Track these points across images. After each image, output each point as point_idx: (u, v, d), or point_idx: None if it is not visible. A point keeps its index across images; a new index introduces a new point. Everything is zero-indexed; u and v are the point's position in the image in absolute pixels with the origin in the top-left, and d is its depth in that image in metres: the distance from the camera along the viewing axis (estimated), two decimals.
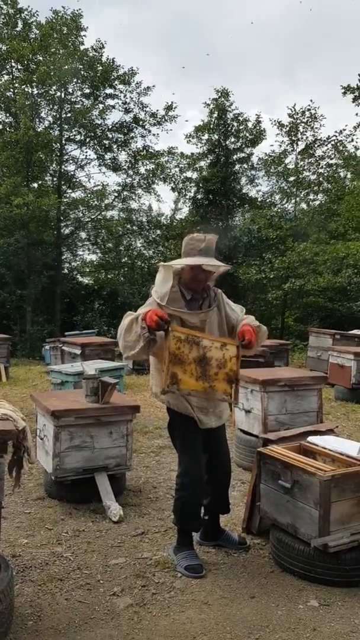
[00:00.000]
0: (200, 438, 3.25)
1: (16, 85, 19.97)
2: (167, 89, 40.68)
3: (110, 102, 20.95)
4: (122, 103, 21.04)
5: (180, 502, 3.22)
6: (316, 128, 20.19)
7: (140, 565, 3.24)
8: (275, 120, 20.43)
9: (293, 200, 21.37)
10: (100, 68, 20.05)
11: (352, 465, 3.19)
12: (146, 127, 21.48)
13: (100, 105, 20.90)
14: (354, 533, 3.03)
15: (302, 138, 20.42)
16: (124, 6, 36.89)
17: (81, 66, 19.83)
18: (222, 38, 38.42)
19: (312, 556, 3.03)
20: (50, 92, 20.27)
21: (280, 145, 20.71)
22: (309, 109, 19.86)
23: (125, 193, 22.23)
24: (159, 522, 3.87)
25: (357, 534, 3.04)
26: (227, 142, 21.22)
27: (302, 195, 21.27)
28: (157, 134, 21.92)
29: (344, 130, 20.57)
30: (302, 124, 20.18)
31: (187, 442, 3.24)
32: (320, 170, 20.82)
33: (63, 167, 21.41)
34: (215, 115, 20.86)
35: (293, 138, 20.41)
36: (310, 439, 3.64)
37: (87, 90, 20.58)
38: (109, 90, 20.69)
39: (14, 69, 19.94)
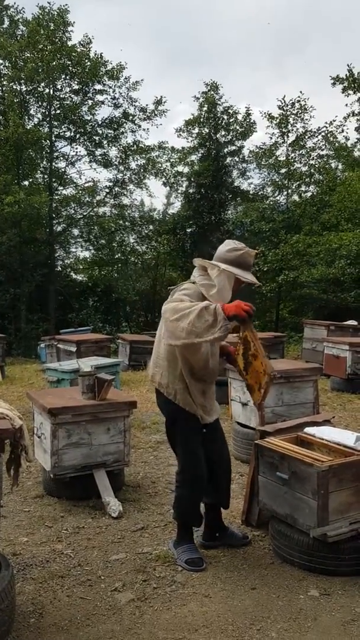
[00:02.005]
0: (201, 434, 3.26)
1: (4, 82, 19.87)
2: (157, 84, 40.56)
3: (99, 97, 20.90)
4: (111, 98, 20.99)
5: (182, 498, 3.22)
6: (306, 119, 20.16)
7: (140, 560, 3.25)
8: (265, 113, 20.40)
9: (285, 193, 21.33)
10: (89, 64, 19.95)
11: (350, 455, 3.20)
12: (136, 122, 21.43)
13: (90, 101, 20.82)
14: (352, 522, 3.04)
15: (292, 130, 20.39)
16: (112, 0, 36.71)
17: (69, 62, 19.73)
18: (211, 31, 38.32)
19: (312, 546, 3.04)
20: (39, 88, 20.17)
21: (271, 138, 20.69)
22: (298, 101, 19.82)
23: (116, 189, 22.18)
24: (159, 516, 3.88)
25: (356, 523, 3.05)
26: (218, 136, 21.18)
27: (293, 187, 21.23)
28: (147, 129, 21.90)
29: (334, 121, 20.59)
30: (292, 116, 20.14)
31: (190, 439, 3.22)
32: (312, 162, 20.79)
33: (53, 164, 21.33)
34: (205, 108, 20.81)
35: (283, 130, 20.36)
36: (307, 430, 3.65)
37: (76, 86, 20.48)
38: (97, 86, 20.62)
39: (1, 67, 19.85)
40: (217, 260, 3.14)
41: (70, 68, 19.95)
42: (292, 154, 20.68)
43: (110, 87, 20.74)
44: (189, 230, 21.56)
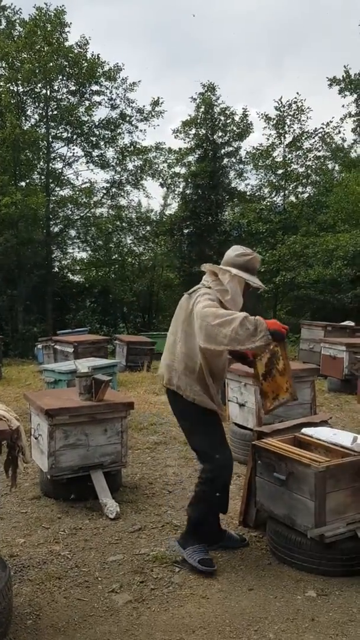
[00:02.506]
0: (221, 431, 3.26)
1: (1, 83, 19.84)
2: (155, 84, 40.56)
3: (96, 98, 20.90)
4: (108, 99, 20.99)
5: (210, 495, 3.16)
6: (303, 120, 20.22)
7: (138, 561, 3.24)
8: (262, 114, 20.44)
9: (282, 193, 21.38)
10: (86, 64, 19.95)
11: (347, 455, 3.21)
12: (133, 123, 21.44)
13: (87, 102, 20.82)
14: (349, 523, 3.05)
15: (289, 131, 20.44)
16: (110, 0, 36.71)
17: (66, 63, 19.73)
18: (210, 32, 38.35)
19: (309, 547, 3.04)
20: (36, 89, 20.16)
21: (268, 139, 20.74)
22: (295, 102, 19.87)
23: (113, 190, 22.19)
24: (156, 517, 3.87)
25: (353, 523, 3.06)
26: (215, 137, 21.21)
27: (290, 188, 21.28)
28: (144, 130, 21.95)
29: (331, 122, 20.62)
30: (289, 117, 20.18)
31: (218, 436, 3.21)
32: (308, 163, 20.85)
33: (50, 165, 21.31)
34: (202, 109, 20.84)
35: (280, 131, 20.41)
36: (305, 430, 3.65)
37: (73, 87, 20.48)
38: (94, 87, 20.62)
39: None
40: (227, 265, 3.19)
41: (67, 69, 19.95)
42: (289, 155, 20.74)
43: (107, 88, 20.78)
44: (186, 231, 21.58)
